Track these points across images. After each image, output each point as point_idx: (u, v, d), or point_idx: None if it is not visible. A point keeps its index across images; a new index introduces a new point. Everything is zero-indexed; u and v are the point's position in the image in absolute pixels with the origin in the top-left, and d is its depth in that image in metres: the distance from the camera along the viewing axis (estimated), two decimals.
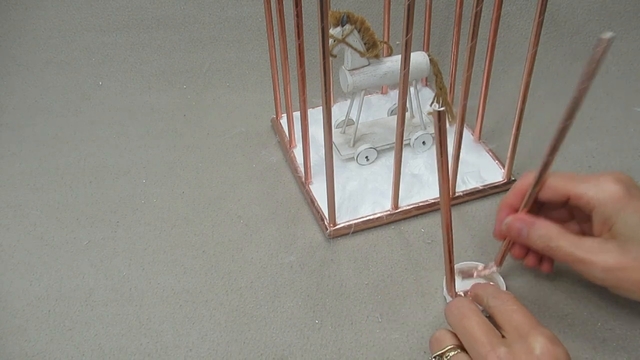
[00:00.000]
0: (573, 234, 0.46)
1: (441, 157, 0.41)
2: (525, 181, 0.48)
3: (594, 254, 0.44)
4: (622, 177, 0.46)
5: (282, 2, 0.59)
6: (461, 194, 0.62)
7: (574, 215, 0.50)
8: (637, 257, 0.42)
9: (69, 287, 0.55)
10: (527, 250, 0.51)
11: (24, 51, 0.85)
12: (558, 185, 0.47)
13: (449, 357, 0.42)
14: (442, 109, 0.39)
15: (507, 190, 0.54)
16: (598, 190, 0.45)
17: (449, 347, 0.43)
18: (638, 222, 0.43)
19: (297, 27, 0.52)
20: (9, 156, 0.72)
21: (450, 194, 0.61)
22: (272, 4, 0.62)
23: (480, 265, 0.53)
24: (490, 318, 0.44)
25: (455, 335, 0.44)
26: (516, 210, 0.49)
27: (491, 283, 0.50)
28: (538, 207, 0.50)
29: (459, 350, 0.43)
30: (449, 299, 0.50)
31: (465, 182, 0.63)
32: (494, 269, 0.52)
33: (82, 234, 0.61)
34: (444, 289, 0.51)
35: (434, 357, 0.44)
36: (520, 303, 0.44)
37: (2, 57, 0.85)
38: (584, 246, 0.44)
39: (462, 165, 0.61)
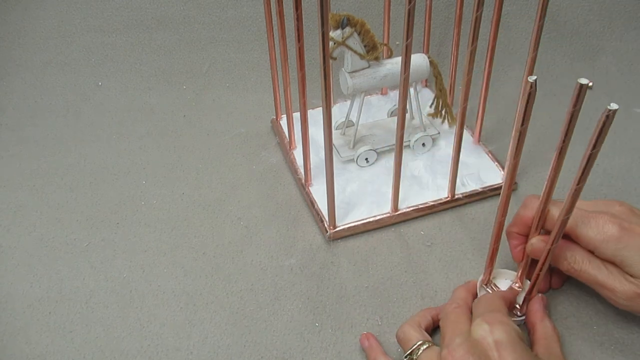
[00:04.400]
0: (598, 259, 0.47)
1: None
2: (529, 211, 0.49)
3: (615, 281, 0.45)
4: (621, 211, 0.47)
5: (282, 3, 0.59)
6: (460, 196, 0.62)
7: None
8: None
9: (69, 289, 0.55)
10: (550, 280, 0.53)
11: (24, 52, 0.85)
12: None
13: (418, 354, 0.44)
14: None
15: None
16: (597, 233, 0.45)
17: (419, 342, 0.44)
18: (638, 258, 0.44)
19: (297, 30, 0.52)
20: (9, 156, 0.72)
21: (450, 196, 0.61)
22: (272, 5, 0.61)
23: (517, 284, 0.52)
24: None
25: (420, 329, 0.46)
26: (525, 236, 0.50)
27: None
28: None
29: (428, 344, 0.44)
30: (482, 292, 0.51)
31: (465, 184, 0.63)
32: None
33: (82, 236, 0.61)
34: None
35: (406, 357, 0.45)
36: (498, 295, 0.46)
37: (2, 58, 0.85)
38: (606, 272, 0.46)
39: (462, 167, 0.61)
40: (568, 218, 0.44)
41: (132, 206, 0.64)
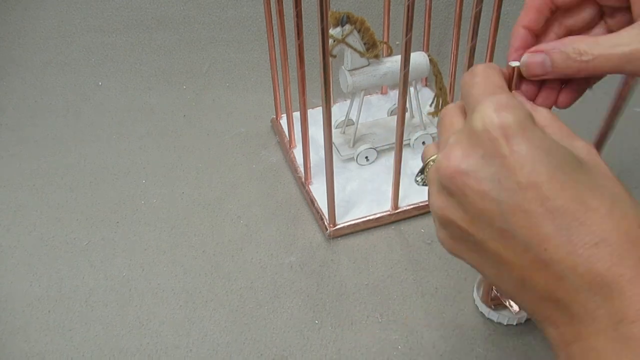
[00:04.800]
0: (606, 34, 0.34)
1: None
2: None
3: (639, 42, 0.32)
4: None
5: (282, 2, 0.59)
6: None
7: (604, 10, 0.38)
8: None
9: (69, 288, 0.55)
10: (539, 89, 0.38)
11: (24, 52, 0.86)
12: None
13: (431, 164, 0.34)
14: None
15: None
16: None
17: (434, 156, 0.34)
18: None
19: (297, 27, 0.52)
20: (9, 156, 0.72)
21: None
22: (272, 5, 0.62)
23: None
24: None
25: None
26: (535, 37, 0.38)
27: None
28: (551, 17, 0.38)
29: None
30: None
31: None
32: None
33: (82, 235, 0.61)
34: None
35: (419, 173, 0.36)
36: (492, 71, 0.34)
37: (2, 58, 0.85)
38: (623, 39, 0.33)
39: None
40: None
41: (132, 205, 0.64)
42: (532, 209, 0.27)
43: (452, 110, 0.34)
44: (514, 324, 0.50)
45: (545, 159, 0.27)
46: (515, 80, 0.37)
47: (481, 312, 0.51)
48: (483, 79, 0.33)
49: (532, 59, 0.35)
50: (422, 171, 0.35)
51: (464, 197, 0.29)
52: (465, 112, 0.33)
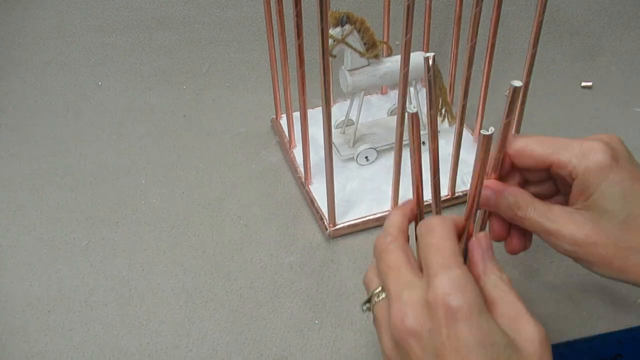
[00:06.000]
0: (543, 203, 0.41)
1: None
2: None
3: (562, 225, 0.39)
4: (613, 140, 0.41)
5: (282, 2, 0.59)
6: (461, 194, 0.62)
7: (559, 187, 0.44)
8: (609, 233, 0.38)
9: (69, 288, 0.55)
10: (508, 230, 0.44)
11: (24, 52, 0.86)
12: (538, 151, 0.41)
13: (377, 301, 0.38)
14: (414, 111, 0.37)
15: None
16: (583, 158, 0.39)
17: (378, 289, 0.39)
18: (618, 195, 0.38)
19: (297, 27, 0.52)
20: (9, 156, 0.72)
21: (450, 194, 0.61)
22: (271, 5, 0.62)
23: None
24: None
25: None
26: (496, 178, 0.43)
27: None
28: (522, 183, 0.44)
29: (385, 294, 0.38)
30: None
31: (465, 182, 0.63)
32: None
33: (82, 235, 0.61)
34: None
35: (364, 304, 0.40)
36: (447, 233, 0.36)
37: (2, 58, 0.85)
38: (552, 216, 0.40)
39: (462, 165, 0.61)
40: (502, 156, 0.41)
41: (132, 205, 0.64)
42: None
43: (396, 255, 0.37)
44: None
45: (480, 352, 0.31)
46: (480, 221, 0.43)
47: None
48: (439, 240, 0.36)
49: (484, 191, 0.41)
50: (368, 301, 0.39)
51: (407, 356, 0.33)
52: (411, 256, 0.38)
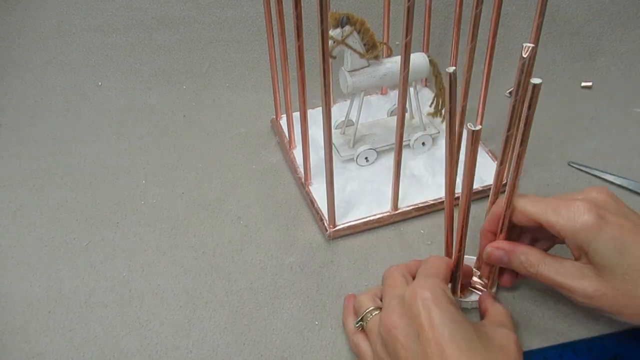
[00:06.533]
0: (554, 258, 0.45)
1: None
2: (499, 207, 0.48)
3: (573, 280, 0.44)
4: (600, 197, 0.45)
5: (282, 3, 0.59)
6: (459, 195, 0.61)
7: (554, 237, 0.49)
8: (614, 285, 0.42)
9: (69, 288, 0.55)
10: (516, 276, 0.51)
11: (24, 52, 0.85)
12: (528, 211, 0.46)
13: (370, 318, 0.45)
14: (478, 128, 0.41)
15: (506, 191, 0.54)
16: (569, 220, 0.43)
17: (370, 308, 0.45)
18: (612, 251, 0.42)
19: (297, 28, 0.52)
20: (9, 156, 0.72)
21: None
22: (272, 5, 0.62)
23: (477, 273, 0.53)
24: None
25: (375, 299, 0.47)
26: (496, 235, 0.49)
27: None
28: (518, 231, 0.49)
29: (379, 310, 0.45)
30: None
31: None
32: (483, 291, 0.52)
33: (82, 235, 0.61)
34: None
35: (359, 321, 0.46)
36: (442, 262, 0.46)
37: (2, 58, 0.85)
38: (563, 271, 0.44)
39: (461, 166, 0.61)
40: (509, 211, 0.46)
41: (132, 206, 0.64)
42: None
43: (396, 276, 0.46)
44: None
45: (451, 326, 0.38)
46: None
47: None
48: (430, 267, 0.45)
49: (494, 253, 0.48)
50: (361, 319, 0.45)
51: (394, 348, 0.39)
52: (406, 276, 0.46)
